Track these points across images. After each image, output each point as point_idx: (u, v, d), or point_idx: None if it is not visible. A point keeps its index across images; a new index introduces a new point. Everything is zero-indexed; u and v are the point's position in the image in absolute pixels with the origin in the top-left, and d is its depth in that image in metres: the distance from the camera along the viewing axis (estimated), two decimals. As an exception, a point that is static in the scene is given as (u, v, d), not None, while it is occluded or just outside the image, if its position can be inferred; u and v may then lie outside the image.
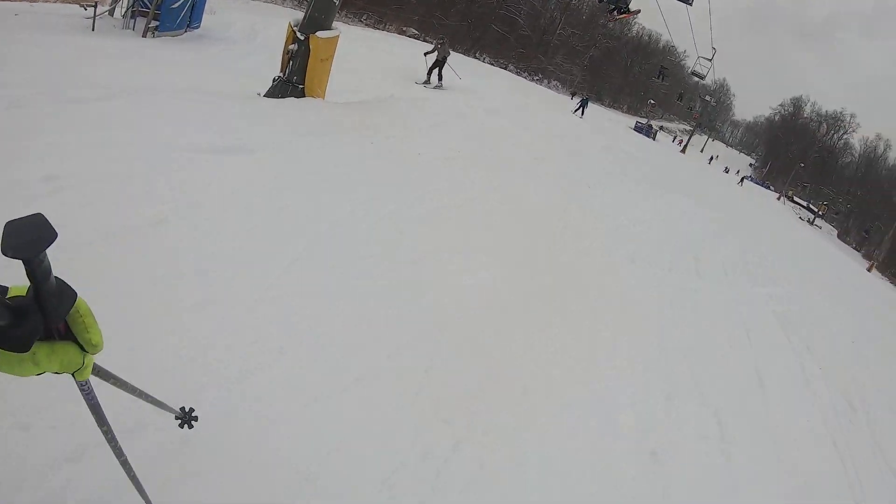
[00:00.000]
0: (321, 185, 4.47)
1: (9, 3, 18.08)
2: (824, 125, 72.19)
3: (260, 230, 3.52)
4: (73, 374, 0.83)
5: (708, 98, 58.81)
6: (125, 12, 12.70)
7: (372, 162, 5.32)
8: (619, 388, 3.38)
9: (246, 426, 2.10)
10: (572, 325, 3.89)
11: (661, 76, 42.77)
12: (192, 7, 13.11)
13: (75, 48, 9.24)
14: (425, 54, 15.22)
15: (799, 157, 67.11)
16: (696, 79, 30.01)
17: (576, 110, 23.18)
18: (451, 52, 15.10)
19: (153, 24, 12.15)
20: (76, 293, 0.76)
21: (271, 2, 41.84)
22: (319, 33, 7.14)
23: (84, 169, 3.47)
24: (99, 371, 1.00)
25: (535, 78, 57.97)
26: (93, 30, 11.61)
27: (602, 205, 7.47)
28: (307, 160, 4.76)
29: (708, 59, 23.09)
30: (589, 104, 24.04)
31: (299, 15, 7.49)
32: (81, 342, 0.79)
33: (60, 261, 0.87)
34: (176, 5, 12.46)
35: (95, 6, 12.00)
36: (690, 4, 11.17)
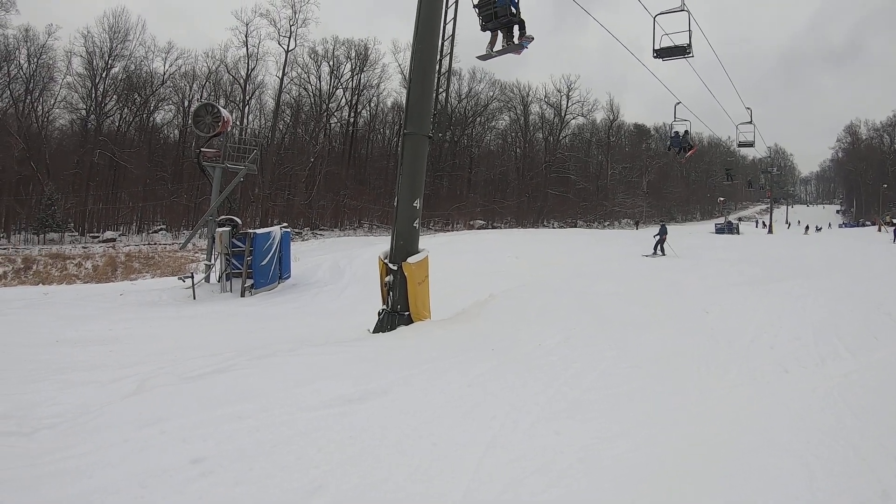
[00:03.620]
0: (460, 408, 4.06)
1: (113, 283, 20.71)
2: (886, 136, 68.46)
3: (421, 472, 3.07)
4: None
5: (770, 169, 55.53)
6: (220, 277, 14.06)
7: (501, 368, 4.93)
8: None
9: None
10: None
11: (729, 177, 44.50)
12: (280, 260, 14.44)
13: (181, 319, 10.00)
14: None
15: (879, 179, 63.74)
16: (746, 150, 28.15)
17: (655, 248, 20.04)
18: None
19: (248, 282, 13.24)
20: None
21: (344, 235, 46.70)
22: (410, 259, 7.29)
23: (229, 445, 3.28)
24: None
25: (606, 224, 58.76)
26: (194, 298, 12.71)
27: (725, 325, 6.69)
28: (440, 388, 4.45)
29: (748, 122, 20.50)
30: (667, 231, 20.75)
31: (376, 243, 7.89)
32: None
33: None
34: (265, 262, 13.74)
35: (192, 276, 13.38)
36: (691, 55, 10.58)
